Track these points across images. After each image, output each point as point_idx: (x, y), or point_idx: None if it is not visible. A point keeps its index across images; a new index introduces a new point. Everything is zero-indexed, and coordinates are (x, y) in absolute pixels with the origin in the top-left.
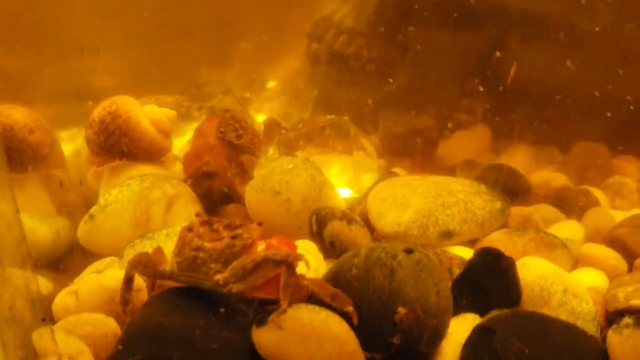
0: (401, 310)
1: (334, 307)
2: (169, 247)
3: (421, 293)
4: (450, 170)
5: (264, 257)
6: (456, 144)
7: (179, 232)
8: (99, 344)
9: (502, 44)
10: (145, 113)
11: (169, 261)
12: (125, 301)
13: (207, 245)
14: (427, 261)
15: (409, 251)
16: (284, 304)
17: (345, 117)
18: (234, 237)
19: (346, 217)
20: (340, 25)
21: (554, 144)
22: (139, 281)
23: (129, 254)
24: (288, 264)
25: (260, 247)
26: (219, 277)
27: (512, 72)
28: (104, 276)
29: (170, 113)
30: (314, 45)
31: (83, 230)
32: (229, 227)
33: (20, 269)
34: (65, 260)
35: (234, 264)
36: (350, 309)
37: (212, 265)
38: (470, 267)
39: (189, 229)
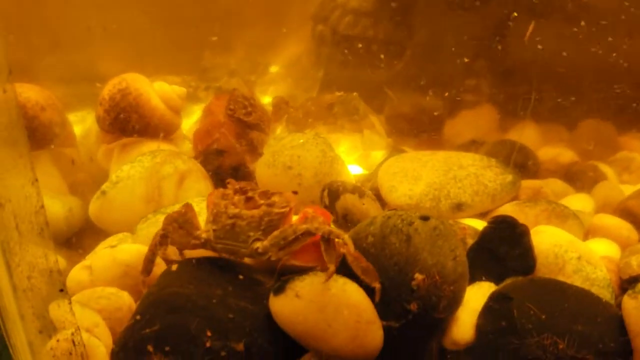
0: (418, 276)
1: (362, 280)
2: None
3: (438, 259)
4: (457, 149)
5: (306, 230)
6: (462, 124)
7: (208, 199)
8: (114, 317)
9: (508, 22)
10: (155, 90)
11: (204, 228)
12: (147, 270)
13: (245, 213)
14: (443, 227)
15: (425, 218)
16: (331, 267)
17: (355, 93)
18: (270, 205)
19: (358, 191)
20: (346, 6)
21: (560, 122)
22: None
23: (142, 229)
24: (329, 239)
25: (295, 216)
26: (258, 245)
27: (530, 29)
28: (118, 251)
29: (180, 90)
30: (319, 27)
31: (95, 206)
32: (264, 195)
33: (38, 237)
34: (77, 238)
35: (275, 233)
36: (377, 286)
37: (251, 234)
38: (485, 236)
39: (223, 196)
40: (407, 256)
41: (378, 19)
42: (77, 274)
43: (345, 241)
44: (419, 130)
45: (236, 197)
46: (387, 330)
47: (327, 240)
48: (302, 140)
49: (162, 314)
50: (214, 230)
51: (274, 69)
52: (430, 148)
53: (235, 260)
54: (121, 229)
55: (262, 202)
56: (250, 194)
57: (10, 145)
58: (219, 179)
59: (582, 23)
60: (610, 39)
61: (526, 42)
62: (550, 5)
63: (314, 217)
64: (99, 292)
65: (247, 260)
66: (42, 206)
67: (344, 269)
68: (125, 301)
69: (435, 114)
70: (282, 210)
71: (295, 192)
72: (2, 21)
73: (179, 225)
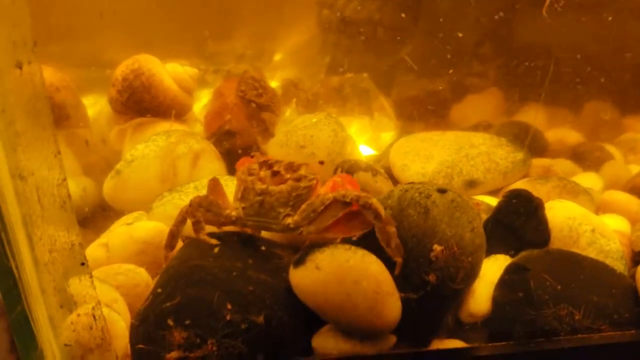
0: (437, 247)
1: (386, 252)
2: None
3: (456, 230)
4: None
5: (334, 198)
6: (469, 107)
7: (236, 175)
8: (132, 294)
9: (515, 7)
10: (168, 71)
11: (232, 206)
12: (171, 245)
13: (273, 188)
14: (460, 200)
15: (442, 191)
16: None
17: (365, 74)
18: (297, 180)
19: (371, 169)
20: None
21: (566, 105)
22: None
23: (158, 207)
24: (365, 204)
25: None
26: (289, 220)
27: (547, 1)
28: (135, 228)
29: (191, 71)
30: (325, 12)
31: (109, 185)
32: (290, 168)
33: (60, 210)
34: (91, 217)
35: (304, 206)
36: (399, 260)
37: (281, 210)
38: (500, 209)
39: (249, 172)
40: (425, 228)
41: (384, 3)
42: (94, 251)
43: (375, 205)
44: (427, 113)
45: (262, 172)
46: (405, 301)
47: (366, 207)
48: (314, 120)
49: (183, 287)
50: (243, 208)
51: (279, 55)
52: (438, 130)
53: (255, 234)
54: (135, 207)
55: (288, 176)
56: (276, 167)
57: (34, 118)
58: (231, 159)
59: (588, 6)
60: (612, 20)
61: (544, 14)
62: None
63: (343, 186)
64: (117, 269)
65: (279, 235)
66: (65, 179)
67: (363, 242)
68: (142, 277)
69: (442, 98)
70: (310, 183)
71: (321, 162)
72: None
73: (206, 210)
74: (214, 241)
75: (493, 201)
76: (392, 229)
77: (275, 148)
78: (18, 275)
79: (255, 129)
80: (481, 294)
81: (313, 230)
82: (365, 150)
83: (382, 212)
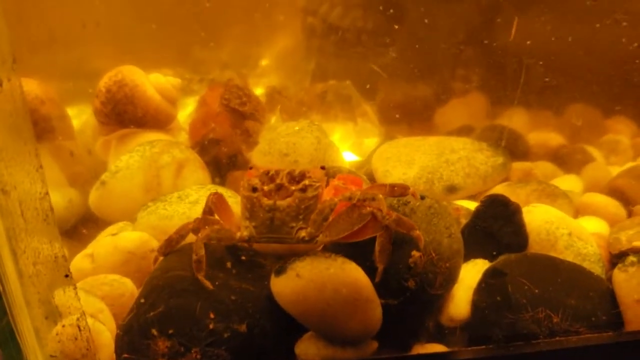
0: (415, 253)
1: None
2: (181, 209)
3: (434, 236)
4: (448, 135)
5: (340, 202)
6: (452, 111)
7: (241, 192)
8: (117, 304)
9: (496, 11)
10: (151, 81)
11: (242, 225)
12: (164, 252)
13: (281, 203)
14: (437, 206)
15: (421, 198)
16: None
17: (347, 82)
18: (303, 190)
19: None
20: None
21: (548, 108)
22: (155, 243)
23: (142, 217)
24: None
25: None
26: (303, 233)
27: (514, 28)
28: (120, 238)
29: (174, 81)
30: (309, 19)
31: (95, 196)
32: (292, 179)
33: (43, 224)
34: (77, 228)
35: (314, 216)
36: (381, 267)
37: (293, 224)
38: (478, 215)
39: (252, 188)
40: (404, 235)
41: (367, 10)
42: (79, 262)
43: (380, 201)
44: (410, 118)
45: (266, 187)
46: (385, 307)
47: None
48: (297, 128)
49: (166, 297)
50: (255, 227)
51: (264, 61)
52: (421, 135)
53: (237, 244)
54: (121, 217)
55: (293, 188)
56: (278, 180)
57: (15, 133)
58: (215, 168)
59: (568, 9)
60: (593, 24)
61: (511, 39)
62: None
63: (345, 189)
64: (102, 279)
65: (296, 246)
66: (47, 193)
67: (342, 248)
68: (128, 287)
69: (425, 103)
70: (316, 192)
71: (322, 168)
72: (5, 10)
73: (218, 240)
74: (208, 284)
75: (473, 205)
76: (416, 233)
77: (259, 156)
78: (2, 288)
79: (239, 137)
80: (461, 299)
81: (328, 239)
82: (348, 157)
83: (384, 207)
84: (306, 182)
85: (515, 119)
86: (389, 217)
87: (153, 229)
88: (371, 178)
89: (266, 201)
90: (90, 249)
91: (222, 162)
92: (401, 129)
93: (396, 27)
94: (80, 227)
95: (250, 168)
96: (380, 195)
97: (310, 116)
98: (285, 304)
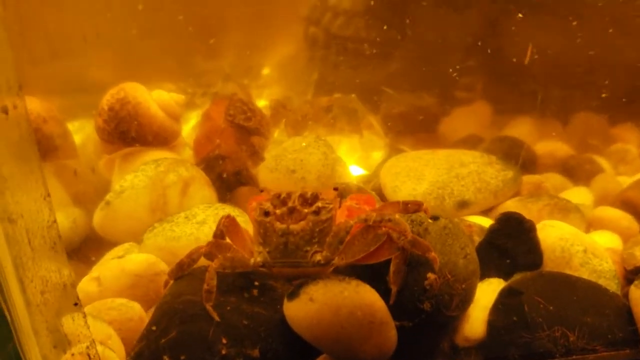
0: (430, 275)
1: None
2: (188, 230)
3: (449, 257)
4: (454, 146)
5: (355, 225)
6: (457, 121)
7: (251, 216)
8: (125, 328)
9: (499, 20)
10: (154, 98)
11: (255, 250)
12: (175, 276)
13: (294, 227)
14: (452, 226)
15: (434, 218)
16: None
17: (353, 95)
18: (316, 213)
19: (362, 192)
20: (338, 8)
21: (553, 116)
22: (162, 265)
23: (149, 238)
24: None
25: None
26: (319, 257)
27: (529, 52)
28: (127, 261)
29: (178, 97)
30: (312, 29)
31: (99, 216)
32: (305, 201)
33: (51, 252)
34: (82, 249)
35: (329, 239)
36: (395, 289)
37: (308, 248)
38: (493, 232)
39: (264, 212)
40: (419, 256)
41: (370, 20)
42: (86, 285)
43: (397, 222)
44: (415, 128)
45: (278, 211)
46: (400, 329)
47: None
48: (304, 144)
49: (177, 323)
50: (269, 252)
51: (265, 71)
52: (427, 146)
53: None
54: (126, 238)
55: (306, 210)
56: (290, 203)
57: (21, 160)
58: (221, 185)
59: (572, 17)
60: (599, 33)
61: (527, 63)
62: (542, 2)
63: (359, 210)
64: (109, 304)
65: (311, 270)
66: (55, 221)
67: (354, 270)
68: (136, 311)
69: (430, 112)
70: (330, 214)
71: (335, 189)
72: (11, 35)
73: (232, 268)
74: (215, 316)
75: (485, 222)
76: (432, 255)
77: (265, 173)
78: (10, 317)
79: (244, 153)
80: (476, 318)
81: (343, 262)
82: (355, 171)
83: (408, 229)
84: (319, 204)
85: (522, 129)
86: (404, 239)
87: (160, 251)
88: (379, 193)
89: (279, 225)
90: (96, 272)
91: (228, 179)
92: (406, 140)
93: (399, 37)
94: (85, 248)
95: (262, 191)
96: (397, 216)
97: (315, 130)
98: (299, 328)
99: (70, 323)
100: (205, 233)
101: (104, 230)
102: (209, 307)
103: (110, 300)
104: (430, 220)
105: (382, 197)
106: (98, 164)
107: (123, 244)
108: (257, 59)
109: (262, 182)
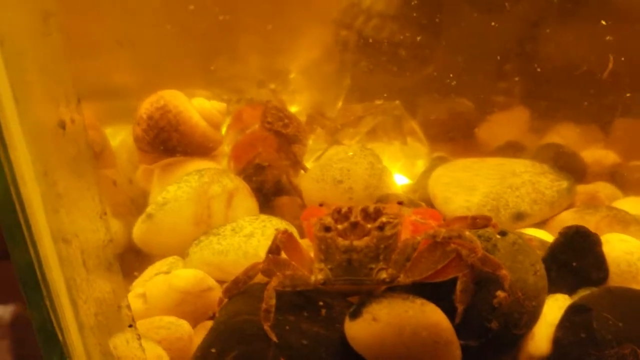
0: (500, 294)
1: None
2: (236, 243)
3: (519, 275)
4: (495, 153)
5: (423, 240)
6: (495, 126)
7: (312, 232)
8: (175, 348)
9: (538, 23)
10: (195, 106)
11: (316, 267)
12: (230, 294)
13: (358, 244)
14: (521, 242)
15: (503, 233)
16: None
17: (397, 102)
18: (381, 228)
19: (413, 204)
20: (371, 10)
21: (594, 122)
22: (210, 281)
23: (195, 252)
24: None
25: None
26: (384, 275)
27: (610, 64)
28: (174, 277)
29: (219, 105)
30: (343, 32)
31: (140, 230)
32: (367, 216)
33: (106, 272)
34: (122, 263)
35: (395, 256)
36: (461, 307)
37: (373, 265)
38: (557, 247)
39: (325, 227)
40: (486, 273)
41: (405, 23)
42: (132, 303)
43: (467, 239)
44: (452, 135)
45: (340, 226)
46: (465, 349)
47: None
48: (350, 153)
49: (235, 344)
50: (331, 270)
51: (294, 76)
52: (466, 152)
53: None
54: (168, 252)
55: (369, 226)
56: (352, 218)
57: (77, 176)
58: (261, 194)
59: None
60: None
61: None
62: (581, 5)
63: (424, 225)
64: (158, 322)
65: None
66: (111, 240)
67: (417, 288)
68: (185, 330)
69: (467, 118)
70: (395, 230)
71: (400, 203)
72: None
73: (292, 287)
74: (274, 337)
75: (541, 234)
76: (503, 272)
77: (310, 183)
78: (62, 339)
79: (285, 161)
80: (541, 336)
81: (409, 280)
82: (399, 180)
83: (479, 245)
84: (383, 219)
85: (565, 136)
86: (474, 256)
87: (207, 265)
88: (428, 204)
89: (342, 241)
90: (141, 288)
91: (268, 189)
92: (444, 145)
93: (435, 41)
94: (124, 262)
95: (321, 205)
96: (468, 232)
97: (357, 137)
98: (361, 348)
99: (125, 346)
100: (253, 246)
101: (145, 243)
102: (267, 327)
103: (159, 318)
104: (498, 236)
105: (430, 207)
106: (135, 174)
107: (166, 258)
108: (284, 64)
109: (305, 193)
